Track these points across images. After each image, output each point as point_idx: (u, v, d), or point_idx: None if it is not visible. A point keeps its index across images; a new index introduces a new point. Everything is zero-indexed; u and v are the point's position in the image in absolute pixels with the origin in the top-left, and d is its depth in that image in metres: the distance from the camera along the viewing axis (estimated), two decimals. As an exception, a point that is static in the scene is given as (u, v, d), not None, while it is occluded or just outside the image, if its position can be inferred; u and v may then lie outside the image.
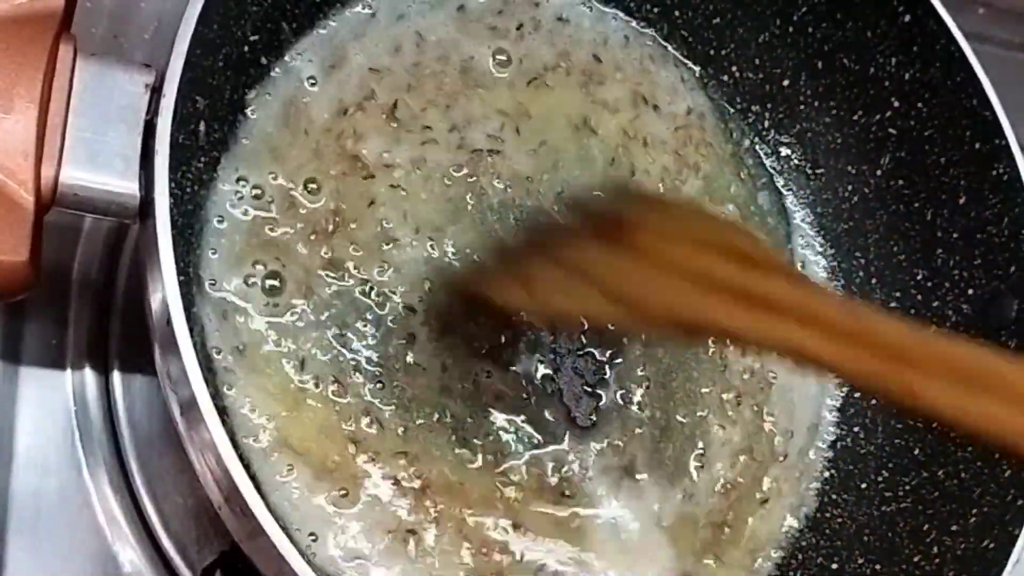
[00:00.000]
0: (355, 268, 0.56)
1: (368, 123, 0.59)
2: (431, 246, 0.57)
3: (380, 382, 0.54)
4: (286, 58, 0.58)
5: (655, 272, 0.42)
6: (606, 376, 0.59)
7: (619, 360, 0.60)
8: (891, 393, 0.38)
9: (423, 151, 0.59)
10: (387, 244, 0.57)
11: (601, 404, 0.59)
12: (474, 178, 0.60)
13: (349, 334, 0.55)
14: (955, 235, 0.63)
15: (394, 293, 0.56)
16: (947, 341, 0.42)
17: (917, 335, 0.41)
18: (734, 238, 0.45)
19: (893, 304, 0.66)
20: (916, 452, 0.62)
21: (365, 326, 0.55)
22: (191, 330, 0.42)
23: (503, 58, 0.64)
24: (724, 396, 0.63)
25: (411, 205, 0.58)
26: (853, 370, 0.39)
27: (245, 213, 0.54)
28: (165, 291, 0.42)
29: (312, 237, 0.55)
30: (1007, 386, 0.36)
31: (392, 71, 0.61)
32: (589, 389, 0.59)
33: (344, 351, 0.54)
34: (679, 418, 0.61)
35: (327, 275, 0.55)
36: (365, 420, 0.54)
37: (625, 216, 0.46)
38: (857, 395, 0.66)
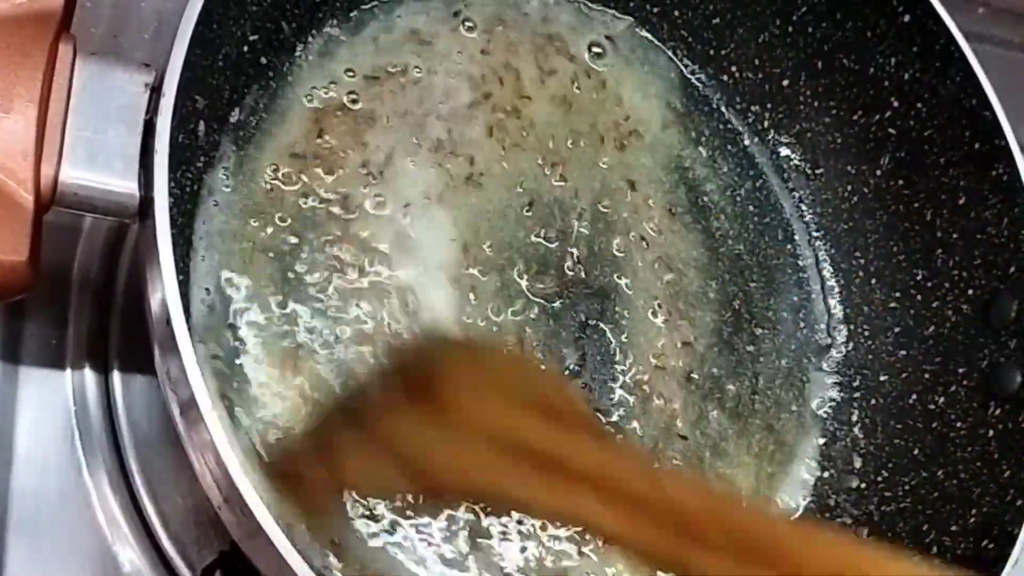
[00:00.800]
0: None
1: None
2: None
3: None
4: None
5: (454, 435, 0.42)
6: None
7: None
8: (670, 567, 0.38)
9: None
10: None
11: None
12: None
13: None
14: (955, 235, 0.63)
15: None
16: (736, 510, 0.42)
17: (705, 501, 0.41)
18: (545, 389, 0.45)
19: (893, 304, 0.66)
20: (915, 452, 0.62)
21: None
22: (190, 330, 0.42)
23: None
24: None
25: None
26: (638, 545, 0.39)
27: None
28: (165, 291, 0.42)
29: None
30: (784, 557, 0.36)
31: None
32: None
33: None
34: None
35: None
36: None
37: (436, 370, 0.45)
38: (856, 395, 0.66)
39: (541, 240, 0.61)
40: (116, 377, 0.58)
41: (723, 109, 0.71)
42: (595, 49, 0.67)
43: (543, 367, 0.44)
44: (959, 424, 0.60)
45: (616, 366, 0.60)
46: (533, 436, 0.40)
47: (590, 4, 0.68)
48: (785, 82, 0.69)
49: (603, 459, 0.41)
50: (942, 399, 0.62)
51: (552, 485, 0.39)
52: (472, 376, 0.45)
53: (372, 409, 0.46)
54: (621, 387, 0.60)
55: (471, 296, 0.58)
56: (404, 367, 0.48)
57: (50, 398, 0.57)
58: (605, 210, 0.63)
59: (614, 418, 0.59)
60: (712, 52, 0.70)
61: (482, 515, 0.49)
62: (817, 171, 0.70)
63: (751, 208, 0.69)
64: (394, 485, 0.43)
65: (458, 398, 0.42)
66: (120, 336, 0.59)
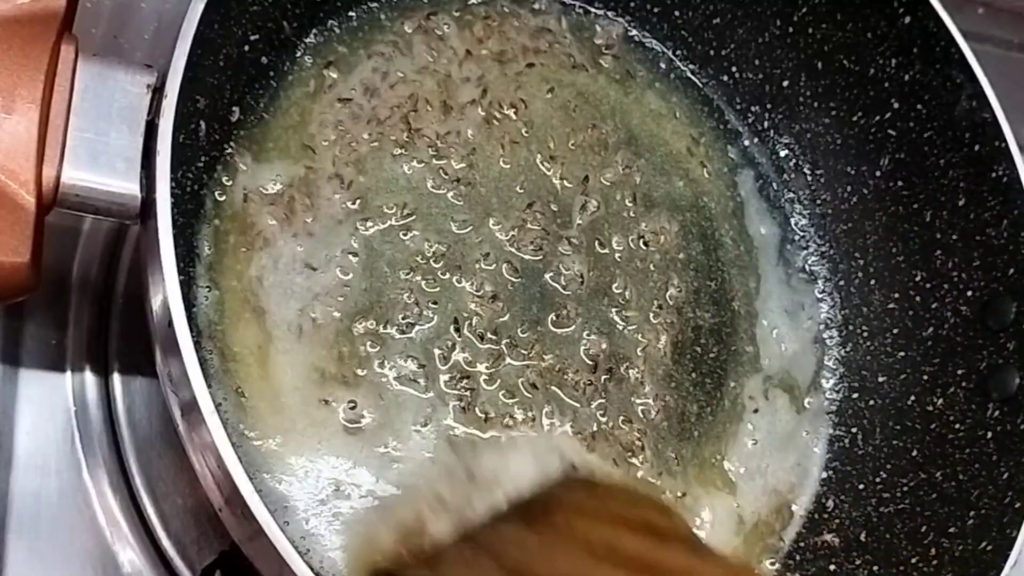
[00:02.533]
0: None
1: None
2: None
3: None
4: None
5: (562, 548, 0.44)
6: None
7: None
8: None
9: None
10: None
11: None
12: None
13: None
14: (954, 237, 0.63)
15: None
16: None
17: None
18: (647, 513, 0.48)
19: (892, 305, 0.66)
20: (914, 453, 0.62)
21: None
22: (192, 332, 0.42)
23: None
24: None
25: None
26: None
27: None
28: (166, 292, 0.42)
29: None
30: None
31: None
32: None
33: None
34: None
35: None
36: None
37: (554, 500, 0.48)
38: (854, 396, 0.66)
39: (539, 232, 0.61)
40: (116, 378, 0.58)
41: (723, 109, 0.71)
42: (595, 50, 0.67)
43: (649, 494, 0.47)
44: (958, 425, 0.60)
45: (617, 366, 0.60)
46: (634, 548, 0.43)
47: (589, 6, 0.68)
48: (785, 82, 0.69)
49: (698, 566, 0.44)
50: (941, 400, 0.62)
51: None
52: (586, 502, 0.47)
53: (488, 533, 0.47)
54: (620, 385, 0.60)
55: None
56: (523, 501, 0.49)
57: (50, 399, 0.57)
58: (605, 210, 0.63)
59: (625, 425, 0.59)
60: (712, 52, 0.70)
61: None
62: (817, 171, 0.70)
63: (751, 208, 0.69)
64: None
65: (572, 522, 0.45)
66: (120, 337, 0.59)
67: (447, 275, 0.58)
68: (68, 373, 0.58)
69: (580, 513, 0.46)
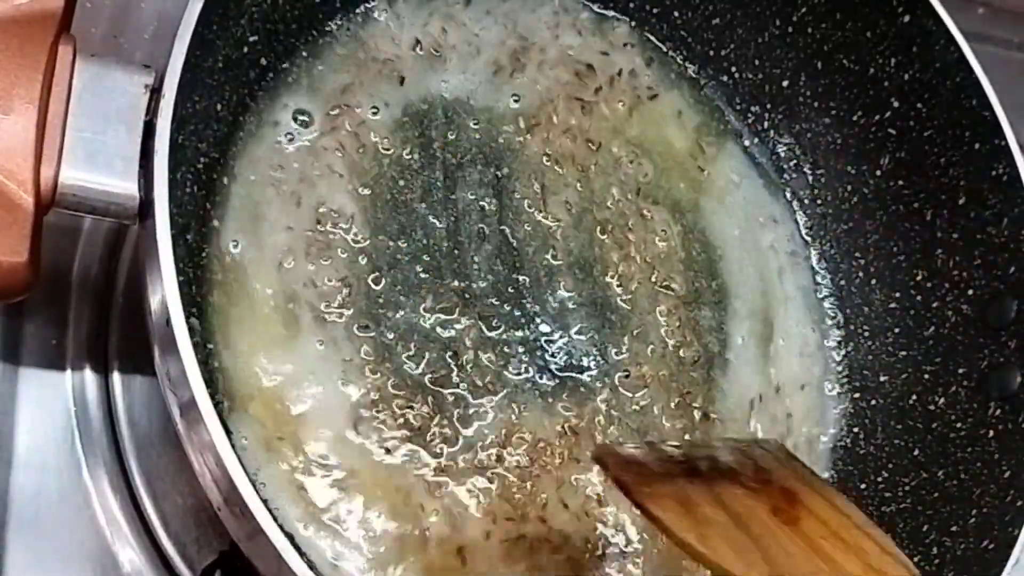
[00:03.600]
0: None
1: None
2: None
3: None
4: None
5: (807, 555, 0.44)
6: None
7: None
8: None
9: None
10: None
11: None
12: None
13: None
14: (955, 235, 0.63)
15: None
16: None
17: None
18: (865, 539, 0.47)
19: (893, 304, 0.66)
20: (916, 453, 0.62)
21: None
22: (190, 331, 0.42)
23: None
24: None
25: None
26: None
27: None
28: (165, 292, 0.42)
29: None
30: None
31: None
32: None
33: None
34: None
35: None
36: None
37: (793, 491, 0.48)
38: (856, 395, 0.66)
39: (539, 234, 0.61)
40: (116, 378, 0.58)
41: (723, 109, 0.71)
42: (595, 51, 0.67)
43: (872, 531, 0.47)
44: (959, 424, 0.60)
45: (618, 366, 0.60)
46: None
47: (589, 5, 0.68)
48: (785, 82, 0.69)
49: None
50: (942, 399, 0.62)
51: None
52: (823, 511, 0.47)
53: (723, 480, 0.48)
54: (622, 387, 0.60)
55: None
56: (760, 473, 0.50)
57: (50, 398, 0.57)
58: (604, 210, 0.63)
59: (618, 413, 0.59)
60: (712, 52, 0.70)
61: None
62: (817, 171, 0.70)
63: (751, 208, 0.69)
64: (744, 562, 0.44)
65: (813, 527, 0.45)
66: (120, 337, 0.59)
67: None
68: (68, 372, 0.58)
69: (822, 524, 0.46)
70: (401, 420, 0.54)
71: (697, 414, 0.62)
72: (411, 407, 0.54)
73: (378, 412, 0.54)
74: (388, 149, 0.59)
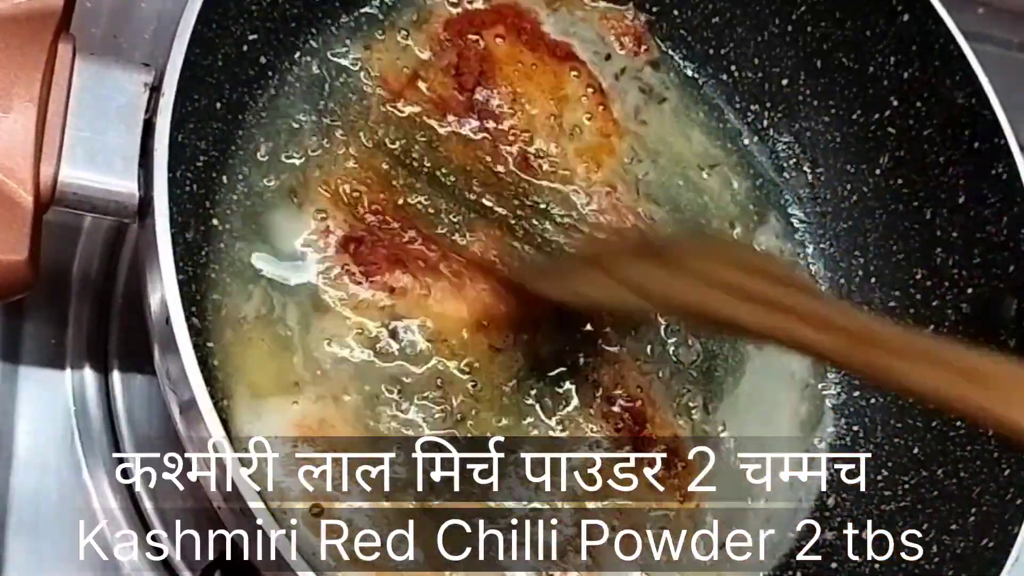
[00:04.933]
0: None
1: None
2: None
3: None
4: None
5: (698, 282, 0.50)
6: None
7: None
8: (867, 370, 0.47)
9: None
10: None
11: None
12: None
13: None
14: (954, 234, 0.63)
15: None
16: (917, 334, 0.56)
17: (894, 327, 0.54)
18: (765, 263, 0.55)
19: (892, 303, 0.66)
20: (915, 451, 0.62)
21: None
22: (190, 330, 0.42)
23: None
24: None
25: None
26: (843, 356, 0.47)
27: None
28: (164, 291, 0.42)
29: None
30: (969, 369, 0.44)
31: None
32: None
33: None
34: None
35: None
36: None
37: (675, 244, 0.56)
38: (856, 394, 0.66)
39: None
40: (116, 377, 0.58)
41: (722, 108, 0.71)
42: (596, 52, 0.67)
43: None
44: (958, 423, 0.60)
45: (618, 369, 0.60)
46: (756, 288, 0.49)
47: (591, 4, 0.68)
48: (785, 81, 0.69)
49: (814, 303, 0.49)
50: (942, 398, 0.62)
51: (773, 316, 0.47)
52: (708, 252, 0.54)
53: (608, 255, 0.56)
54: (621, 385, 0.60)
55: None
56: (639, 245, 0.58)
57: (50, 398, 0.57)
58: (604, 209, 0.63)
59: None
60: (712, 52, 0.70)
61: None
62: (816, 171, 0.70)
63: (751, 207, 0.69)
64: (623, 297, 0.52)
65: (697, 263, 0.51)
66: (120, 336, 0.59)
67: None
68: (68, 371, 0.58)
69: (706, 259, 0.51)
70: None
71: (697, 414, 0.62)
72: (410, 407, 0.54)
73: (381, 404, 0.54)
74: (393, 143, 0.59)
